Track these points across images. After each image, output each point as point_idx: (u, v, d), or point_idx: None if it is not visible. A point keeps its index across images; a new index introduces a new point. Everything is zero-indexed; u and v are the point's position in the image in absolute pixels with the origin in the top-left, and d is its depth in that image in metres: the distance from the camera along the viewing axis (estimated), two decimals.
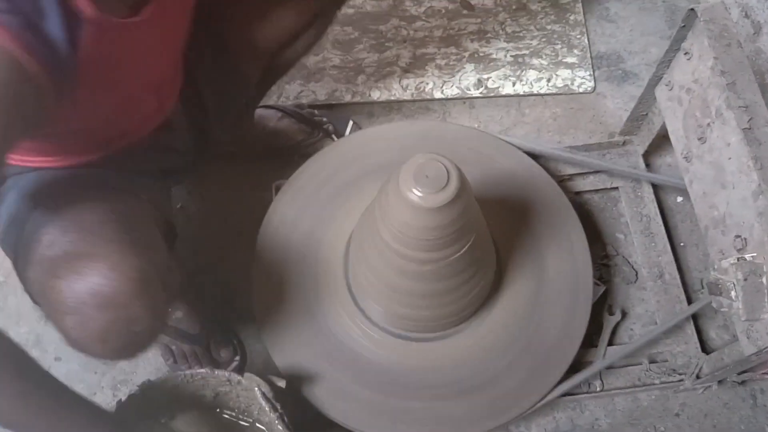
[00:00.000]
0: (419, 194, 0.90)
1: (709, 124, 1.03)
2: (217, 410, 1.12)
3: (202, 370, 1.05)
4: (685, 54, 1.08)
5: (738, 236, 0.97)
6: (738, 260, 0.94)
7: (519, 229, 1.25)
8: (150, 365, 1.29)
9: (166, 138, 1.03)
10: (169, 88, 1.00)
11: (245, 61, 1.09)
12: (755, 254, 0.93)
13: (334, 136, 1.46)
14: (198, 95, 1.09)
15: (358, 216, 1.14)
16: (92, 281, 0.76)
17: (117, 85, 0.84)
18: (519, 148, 1.34)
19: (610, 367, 1.22)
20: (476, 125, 1.50)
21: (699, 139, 1.06)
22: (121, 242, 0.80)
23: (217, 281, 1.35)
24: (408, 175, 0.91)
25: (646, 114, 1.30)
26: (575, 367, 1.19)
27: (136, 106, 0.94)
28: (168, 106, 1.00)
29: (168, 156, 1.05)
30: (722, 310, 0.97)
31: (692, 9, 1.03)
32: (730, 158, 0.98)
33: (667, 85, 1.16)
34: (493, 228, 1.17)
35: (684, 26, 1.06)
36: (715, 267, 0.98)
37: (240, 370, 1.26)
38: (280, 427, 1.01)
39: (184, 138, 1.09)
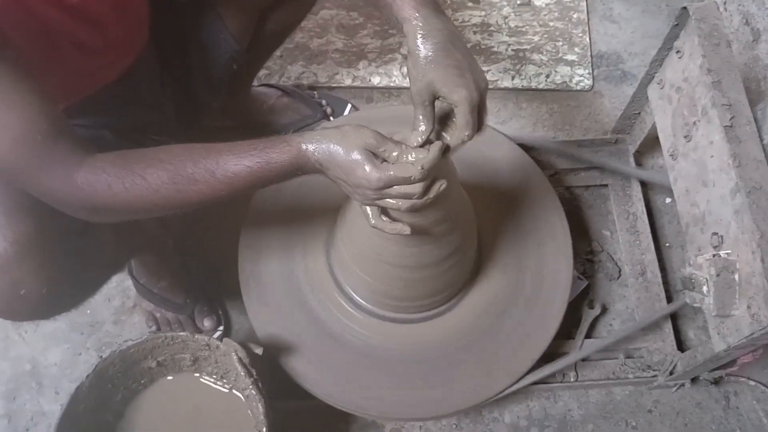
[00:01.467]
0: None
1: (695, 123, 1.04)
2: (196, 374, 1.14)
3: (183, 333, 1.07)
4: (677, 52, 1.09)
5: (715, 233, 0.98)
6: (713, 256, 0.95)
7: (504, 217, 1.26)
8: (135, 330, 1.32)
9: (132, 88, 1.00)
10: (128, 29, 0.96)
11: (230, 15, 1.09)
12: (730, 251, 0.94)
13: (331, 117, 1.48)
14: (181, 49, 1.08)
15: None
16: None
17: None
18: (513, 140, 1.35)
19: (586, 360, 1.23)
20: None
21: (685, 137, 1.07)
22: (10, 207, 0.81)
23: (205, 253, 1.37)
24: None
25: (639, 113, 1.31)
26: (551, 357, 1.20)
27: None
28: (131, 50, 0.97)
29: (137, 109, 1.03)
30: (695, 305, 0.98)
31: (685, 8, 1.04)
32: (712, 156, 0.99)
33: (658, 84, 1.17)
34: (478, 214, 1.18)
35: (677, 25, 1.07)
36: (691, 263, 0.99)
37: (222, 339, 1.27)
38: (254, 392, 1.02)
39: (156, 90, 1.07)
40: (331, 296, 1.18)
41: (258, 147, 0.81)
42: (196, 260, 1.35)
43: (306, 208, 1.24)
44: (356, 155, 0.80)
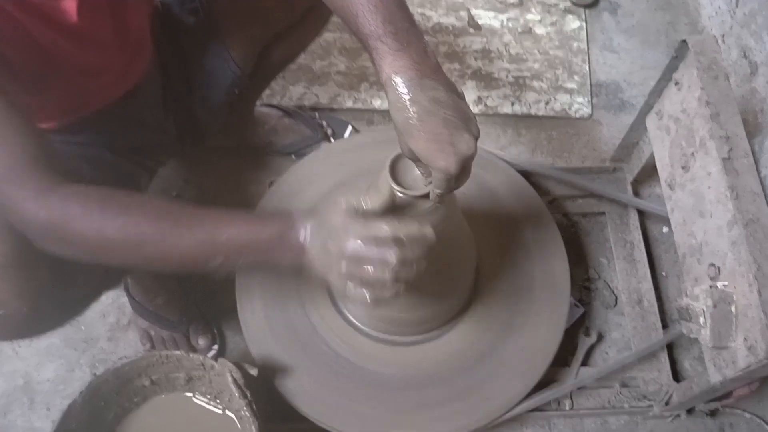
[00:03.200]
0: (398, 195, 0.91)
1: (693, 153, 1.05)
2: (189, 394, 1.13)
3: (177, 352, 1.06)
4: (676, 84, 1.10)
5: (712, 264, 0.98)
6: (710, 288, 0.95)
7: (502, 242, 1.27)
8: (130, 347, 1.31)
9: (133, 109, 1.00)
10: (130, 53, 0.95)
11: (235, 46, 1.10)
12: (726, 283, 0.94)
13: (332, 139, 1.49)
14: (184, 74, 1.09)
15: None
16: None
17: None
18: (512, 165, 1.36)
19: (581, 388, 1.23)
20: None
21: (683, 167, 1.07)
22: None
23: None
24: (387, 176, 0.92)
25: (637, 142, 1.32)
26: (547, 384, 1.20)
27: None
28: (132, 73, 0.98)
29: (137, 130, 1.02)
30: (691, 335, 0.97)
31: (684, 41, 1.05)
32: (709, 187, 1.00)
33: (657, 114, 1.18)
34: (477, 239, 1.18)
35: (676, 57, 1.08)
36: (687, 293, 0.99)
37: (216, 359, 1.27)
38: (248, 414, 1.01)
39: (157, 112, 1.07)
40: (328, 318, 1.18)
41: (251, 214, 0.79)
42: (192, 278, 1.34)
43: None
44: (350, 213, 0.77)
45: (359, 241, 0.74)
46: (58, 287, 0.85)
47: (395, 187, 0.89)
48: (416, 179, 0.92)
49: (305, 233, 0.78)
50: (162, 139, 1.08)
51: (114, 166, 0.96)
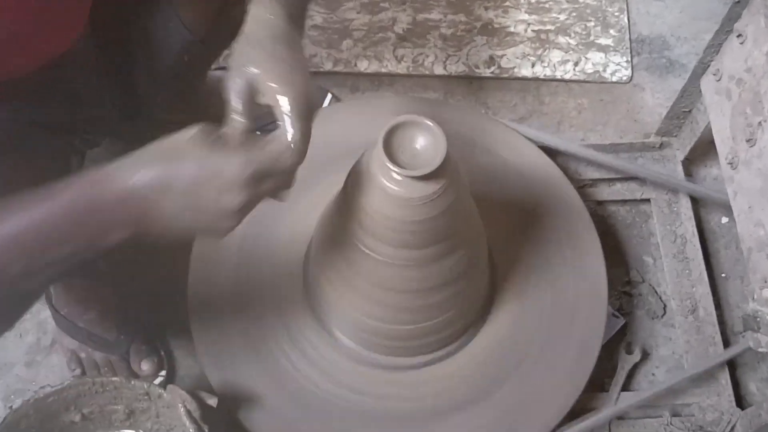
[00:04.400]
0: (394, 176, 0.92)
1: (760, 123, 1.05)
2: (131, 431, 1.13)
3: (116, 379, 1.06)
4: (738, 37, 1.11)
5: None
6: None
7: (523, 239, 1.27)
8: (54, 373, 1.30)
9: (64, 77, 0.99)
10: (59, 12, 0.92)
11: (186, 6, 1.10)
12: None
13: None
14: (124, 36, 1.09)
15: (323, 207, 1.16)
16: None
17: None
18: (533, 142, 1.37)
19: (622, 417, 1.23)
20: (484, 110, 1.53)
21: (747, 141, 1.08)
22: None
23: (145, 277, 1.35)
24: (381, 150, 0.92)
25: (689, 110, 1.33)
26: (580, 413, 1.20)
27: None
28: (59, 36, 0.95)
29: (69, 102, 1.01)
30: (760, 349, 0.98)
31: None
32: None
33: (714, 75, 1.18)
34: (491, 234, 1.19)
35: (738, 2, 1.09)
36: (755, 297, 1.00)
37: (165, 387, 1.26)
38: None
39: (92, 83, 1.07)
40: (307, 333, 1.18)
41: (48, 187, 0.76)
42: (133, 285, 1.33)
43: (277, 222, 1.25)
44: (204, 155, 0.77)
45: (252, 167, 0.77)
46: None
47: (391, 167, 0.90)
48: (417, 155, 0.93)
49: (137, 186, 0.76)
50: (97, 113, 1.08)
51: (39, 146, 0.96)
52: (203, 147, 0.78)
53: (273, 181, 0.80)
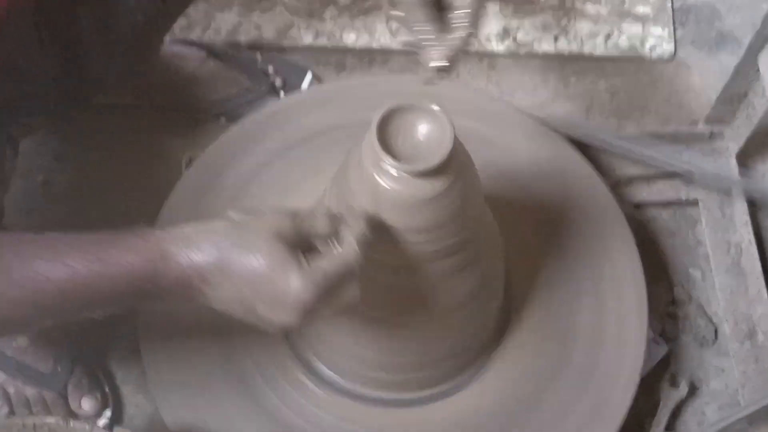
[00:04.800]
0: (391, 172, 0.91)
1: None
2: None
3: (51, 420, 1.05)
4: None
5: None
6: None
7: (544, 249, 1.27)
8: None
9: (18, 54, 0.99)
10: None
11: None
12: None
13: (283, 92, 1.48)
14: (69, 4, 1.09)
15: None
16: None
17: None
18: (557, 132, 1.36)
19: None
20: (497, 94, 1.52)
21: None
22: None
23: None
24: (374, 141, 0.91)
25: (746, 94, 1.33)
26: None
27: None
28: None
29: (2, 79, 1.00)
30: None
31: None
32: None
33: None
34: (506, 244, 1.18)
35: None
36: None
37: (111, 429, 1.25)
38: None
39: (31, 54, 1.06)
40: (282, 364, 1.17)
41: (99, 240, 0.82)
42: None
43: None
44: (271, 257, 0.81)
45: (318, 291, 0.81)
46: None
47: (391, 162, 0.89)
48: (418, 147, 0.92)
49: (199, 280, 0.82)
50: (36, 91, 1.07)
51: None
52: (279, 248, 0.81)
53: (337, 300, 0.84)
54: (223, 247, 0.81)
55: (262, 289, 0.81)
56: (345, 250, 0.83)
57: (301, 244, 0.83)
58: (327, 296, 0.82)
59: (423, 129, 0.93)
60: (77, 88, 1.15)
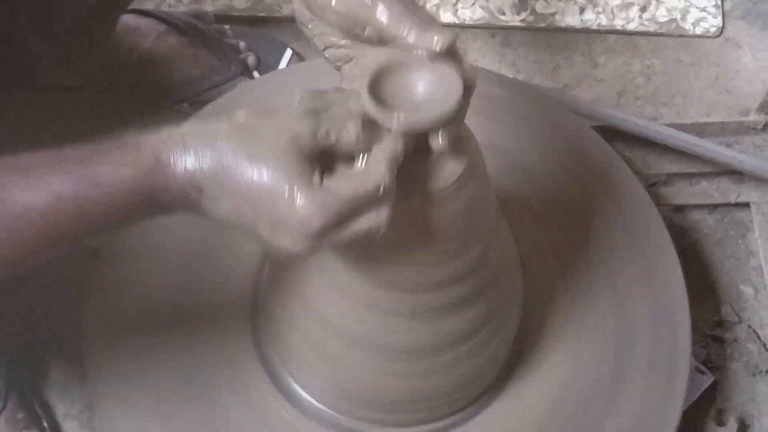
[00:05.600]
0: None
1: None
2: None
3: None
4: None
5: None
6: None
7: (569, 258, 1.28)
8: None
9: None
10: None
11: None
12: None
13: (256, 72, 1.49)
14: None
15: None
16: None
17: None
18: (583, 118, 1.37)
19: None
20: (512, 74, 1.53)
21: None
22: None
23: (25, 302, 1.36)
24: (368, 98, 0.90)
25: None
26: None
27: None
28: None
29: None
30: None
31: None
32: None
33: None
34: (522, 253, 1.19)
35: None
36: None
37: None
38: None
39: None
40: (259, 396, 1.18)
41: (83, 157, 0.80)
42: (9, 313, 1.31)
43: (215, 242, 1.26)
44: (277, 171, 0.79)
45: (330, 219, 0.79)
46: None
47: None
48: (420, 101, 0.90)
49: (197, 193, 0.81)
50: None
51: None
52: (290, 159, 0.79)
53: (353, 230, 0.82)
54: (223, 154, 0.79)
55: (262, 208, 0.79)
56: (371, 172, 0.80)
57: (321, 157, 0.80)
58: (339, 224, 0.80)
59: (423, 87, 0.90)
60: (13, 71, 1.14)
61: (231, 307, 1.24)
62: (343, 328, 1.07)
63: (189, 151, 0.79)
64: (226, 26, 1.52)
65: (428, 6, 1.57)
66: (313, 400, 1.17)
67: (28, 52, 1.15)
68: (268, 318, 1.17)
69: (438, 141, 0.83)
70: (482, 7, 1.58)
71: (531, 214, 1.28)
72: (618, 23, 1.58)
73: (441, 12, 1.57)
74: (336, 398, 1.16)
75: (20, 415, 1.27)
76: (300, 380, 1.18)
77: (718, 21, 1.59)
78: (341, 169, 0.82)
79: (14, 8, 1.11)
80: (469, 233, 0.98)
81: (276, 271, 1.14)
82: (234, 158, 0.79)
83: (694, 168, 1.43)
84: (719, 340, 1.38)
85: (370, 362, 1.08)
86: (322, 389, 1.16)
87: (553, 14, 1.58)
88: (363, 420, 1.16)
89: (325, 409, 1.17)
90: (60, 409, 1.32)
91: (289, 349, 1.15)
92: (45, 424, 1.29)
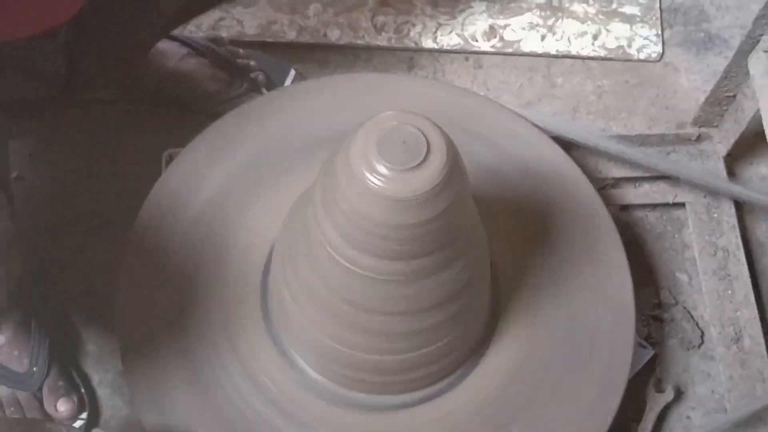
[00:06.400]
0: (384, 172, 0.91)
1: None
2: None
3: (28, 420, 1.05)
4: None
5: None
6: None
7: (532, 250, 1.28)
8: None
9: (47, 53, 1.01)
10: None
11: None
12: None
13: (264, 89, 1.48)
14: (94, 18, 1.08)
15: (288, 207, 1.16)
16: None
17: None
18: (544, 131, 1.37)
19: None
20: (483, 92, 1.53)
21: None
22: None
23: (65, 294, 1.35)
24: (367, 143, 0.91)
25: (734, 95, 1.33)
26: None
27: None
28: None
29: (36, 82, 1.04)
30: None
31: None
32: None
33: (766, 52, 1.19)
34: (493, 245, 1.19)
35: None
36: None
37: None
38: None
39: (55, 61, 1.08)
40: (266, 368, 1.18)
41: None
42: (51, 306, 1.32)
43: (227, 232, 1.26)
44: None
45: None
46: None
47: None
48: (415, 147, 0.92)
49: None
50: (37, 93, 1.08)
51: None
52: None
53: None
54: None
55: None
56: None
57: None
58: None
59: (411, 136, 0.93)
60: (67, 87, 1.15)
61: (246, 273, 1.24)
62: (332, 310, 1.07)
63: None
64: (239, 49, 1.52)
65: (411, 34, 1.57)
66: (312, 372, 1.18)
67: (83, 74, 1.15)
68: (277, 301, 1.18)
69: None
70: (458, 35, 1.57)
71: (500, 210, 1.28)
72: (573, 49, 1.58)
73: (422, 38, 1.57)
74: (326, 365, 1.16)
75: (61, 383, 1.26)
76: (300, 351, 1.18)
77: (659, 48, 1.59)
78: None
79: (80, 38, 1.11)
80: (449, 226, 0.99)
81: (282, 264, 1.14)
82: None
83: (638, 173, 1.43)
84: (658, 320, 1.37)
85: (361, 323, 1.08)
86: (316, 357, 1.17)
87: (519, 41, 1.58)
88: (355, 388, 1.17)
89: (319, 377, 1.18)
90: (95, 377, 1.32)
91: (292, 321, 1.16)
92: (82, 390, 1.29)
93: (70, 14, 1.02)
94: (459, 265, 1.04)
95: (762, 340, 1.31)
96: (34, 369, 1.24)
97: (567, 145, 1.38)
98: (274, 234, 1.22)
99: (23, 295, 1.27)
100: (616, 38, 1.59)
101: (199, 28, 1.55)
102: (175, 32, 1.52)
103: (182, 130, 1.39)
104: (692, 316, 1.38)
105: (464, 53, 1.57)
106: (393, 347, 1.10)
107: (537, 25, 1.59)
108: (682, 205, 1.43)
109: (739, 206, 1.42)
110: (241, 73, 1.48)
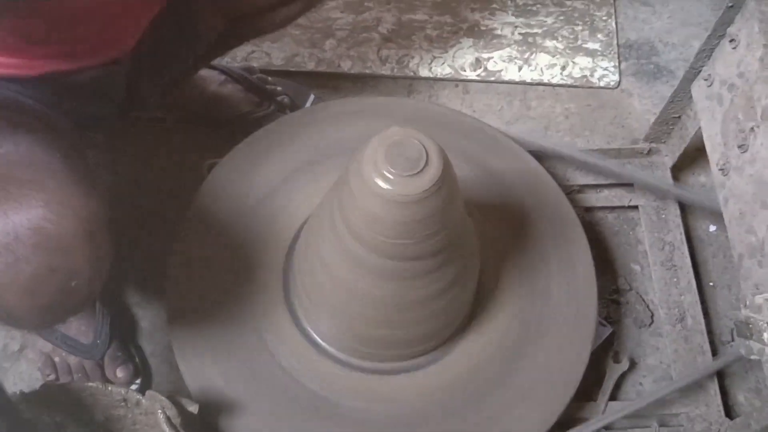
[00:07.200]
0: (389, 177, 0.92)
1: (752, 129, 1.07)
2: None
3: (92, 384, 1.05)
4: (731, 41, 1.13)
5: None
6: None
7: (511, 244, 1.28)
8: (22, 381, 1.28)
9: (113, 77, 1.03)
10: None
11: (206, 19, 1.13)
12: None
13: (288, 110, 1.49)
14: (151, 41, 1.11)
15: (310, 208, 1.17)
16: (34, 213, 0.77)
17: None
18: (522, 145, 1.38)
19: (610, 427, 1.24)
20: (470, 113, 1.53)
21: (739, 146, 1.10)
22: (71, 177, 0.82)
23: (124, 278, 1.36)
24: (375, 153, 0.93)
25: (679, 116, 1.35)
26: (568, 424, 1.21)
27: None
28: (135, 30, 1.01)
29: (103, 101, 1.05)
30: (752, 357, 1.00)
31: None
32: None
33: (706, 80, 1.20)
34: (481, 239, 1.20)
35: (732, 6, 1.11)
36: (747, 304, 1.02)
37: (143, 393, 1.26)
38: None
39: (120, 83, 1.10)
40: (287, 337, 1.18)
41: None
42: (111, 287, 1.33)
43: (258, 227, 1.26)
44: None
45: None
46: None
47: None
48: (415, 157, 0.93)
49: None
50: (103, 111, 1.10)
51: (63, 137, 0.97)
52: None
53: None
54: None
55: None
56: None
57: None
58: None
59: (413, 147, 0.94)
60: (125, 107, 1.17)
61: (270, 263, 1.24)
62: (345, 288, 1.08)
63: None
64: (268, 77, 1.53)
65: (410, 65, 1.58)
66: (320, 340, 1.19)
67: (139, 95, 1.17)
68: (294, 275, 1.19)
69: None
70: (449, 66, 1.59)
71: (485, 211, 1.28)
72: (545, 78, 1.60)
73: (419, 68, 1.58)
74: (337, 338, 1.18)
75: (119, 354, 1.28)
76: (313, 325, 1.19)
77: (617, 77, 1.60)
78: None
79: (137, 66, 1.12)
80: (442, 222, 0.99)
81: (304, 246, 1.15)
82: None
83: (599, 180, 1.44)
84: (616, 303, 1.39)
85: (367, 310, 1.10)
86: (328, 330, 1.18)
87: (500, 71, 1.59)
88: (359, 357, 1.18)
89: (329, 347, 1.19)
90: (147, 349, 1.33)
91: (308, 302, 1.16)
92: (137, 360, 1.30)
93: (127, 48, 1.03)
94: (450, 260, 1.05)
95: (702, 320, 1.32)
96: (98, 341, 1.25)
97: (541, 156, 1.39)
98: (297, 227, 1.24)
99: None
100: (581, 69, 1.60)
101: (234, 59, 1.56)
102: (215, 62, 1.53)
103: (221, 143, 1.40)
104: (644, 300, 1.39)
105: (454, 81, 1.59)
106: (388, 325, 1.11)
107: (515, 57, 1.61)
108: (635, 207, 1.44)
109: (684, 208, 1.43)
110: (269, 97, 1.49)
